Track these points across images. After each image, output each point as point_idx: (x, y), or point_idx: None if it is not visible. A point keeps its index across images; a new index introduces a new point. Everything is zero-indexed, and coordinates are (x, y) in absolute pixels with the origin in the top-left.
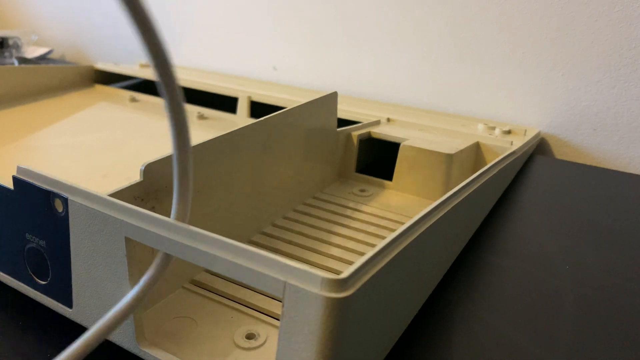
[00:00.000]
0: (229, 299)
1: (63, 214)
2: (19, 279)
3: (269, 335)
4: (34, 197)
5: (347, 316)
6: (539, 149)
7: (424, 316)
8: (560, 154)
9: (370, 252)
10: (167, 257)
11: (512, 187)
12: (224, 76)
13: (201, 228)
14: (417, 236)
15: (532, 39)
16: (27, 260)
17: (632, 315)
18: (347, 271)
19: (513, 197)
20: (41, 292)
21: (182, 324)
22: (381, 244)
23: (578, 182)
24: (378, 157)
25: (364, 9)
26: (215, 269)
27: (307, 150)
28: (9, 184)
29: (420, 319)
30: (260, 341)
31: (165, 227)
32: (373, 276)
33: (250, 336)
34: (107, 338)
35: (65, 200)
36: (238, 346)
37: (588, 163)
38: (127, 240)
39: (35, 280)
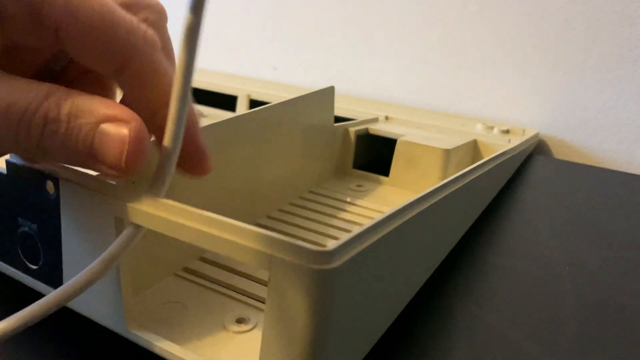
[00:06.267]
0: (220, 286)
1: (54, 196)
2: (11, 265)
3: (260, 320)
4: (27, 180)
5: (334, 289)
6: (539, 149)
7: (423, 316)
8: (560, 153)
9: (359, 229)
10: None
11: (511, 186)
12: (224, 75)
13: None
14: (408, 219)
15: (532, 39)
16: (20, 245)
17: (633, 316)
18: (333, 244)
19: (513, 197)
20: (32, 277)
21: (173, 309)
22: (370, 222)
23: (578, 182)
24: (376, 155)
25: (365, 9)
26: (202, 245)
27: (304, 144)
28: (3, 169)
29: (419, 318)
30: (250, 325)
31: (154, 205)
32: (360, 252)
33: (240, 320)
34: (96, 320)
35: (56, 182)
36: (228, 330)
37: (588, 163)
38: (117, 220)
39: (27, 265)
